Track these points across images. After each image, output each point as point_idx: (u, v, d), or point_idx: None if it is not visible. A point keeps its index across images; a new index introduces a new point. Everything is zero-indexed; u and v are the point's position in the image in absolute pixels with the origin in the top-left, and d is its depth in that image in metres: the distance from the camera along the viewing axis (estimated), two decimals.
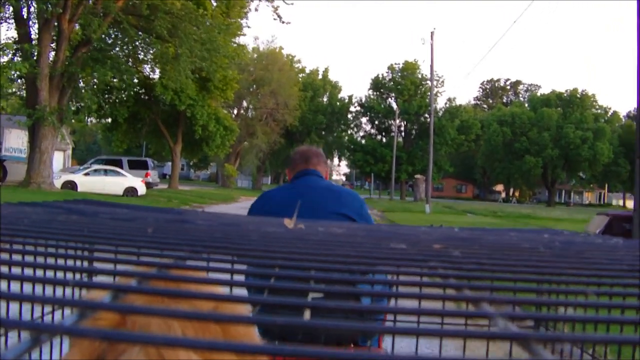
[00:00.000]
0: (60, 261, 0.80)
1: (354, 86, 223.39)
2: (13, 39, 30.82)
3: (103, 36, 32.77)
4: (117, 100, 47.55)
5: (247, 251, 0.94)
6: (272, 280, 0.81)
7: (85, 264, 0.96)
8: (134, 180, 35.88)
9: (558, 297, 0.98)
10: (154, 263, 0.79)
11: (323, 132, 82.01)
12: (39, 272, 0.79)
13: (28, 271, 0.81)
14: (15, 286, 1.17)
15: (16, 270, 0.77)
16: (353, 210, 3.36)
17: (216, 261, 0.86)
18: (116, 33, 34.26)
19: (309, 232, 1.33)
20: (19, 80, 31.66)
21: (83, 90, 33.54)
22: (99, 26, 28.52)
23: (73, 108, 33.16)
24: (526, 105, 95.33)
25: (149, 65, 42.54)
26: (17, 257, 0.87)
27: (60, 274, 0.92)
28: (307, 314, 0.69)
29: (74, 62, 29.77)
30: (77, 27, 30.48)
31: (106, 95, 47.08)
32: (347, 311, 0.63)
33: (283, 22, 35.80)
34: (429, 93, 74.96)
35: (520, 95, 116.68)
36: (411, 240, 1.27)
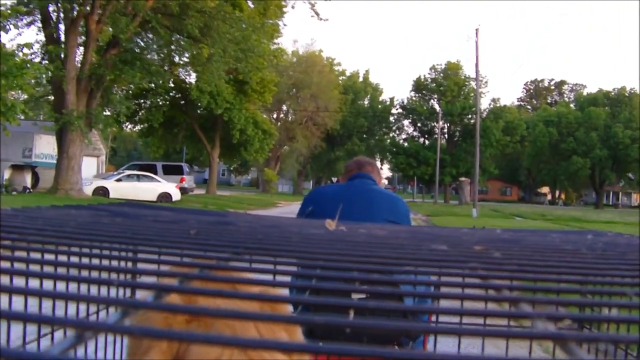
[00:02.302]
0: (105, 262, 0.84)
1: (396, 88, 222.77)
2: (41, 42, 30.59)
3: (135, 39, 32.62)
4: (152, 105, 47.91)
5: (289, 252, 0.97)
6: (313, 281, 0.84)
7: (129, 264, 1.00)
8: (168, 186, 35.80)
9: (600, 298, 0.98)
10: (197, 264, 0.82)
11: (364, 136, 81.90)
12: (84, 273, 0.82)
13: (73, 272, 0.85)
14: (61, 286, 1.21)
15: (62, 270, 0.80)
16: (401, 216, 3.42)
17: (258, 262, 0.88)
18: (149, 36, 34.05)
19: (350, 233, 1.35)
20: (44, 84, 31.16)
21: (116, 94, 33.42)
22: (126, 25, 27.99)
23: (106, 113, 32.98)
24: (572, 105, 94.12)
25: (185, 69, 42.60)
26: (62, 258, 0.90)
27: (105, 275, 0.95)
28: (351, 315, 0.71)
29: (102, 64, 29.46)
30: (107, 29, 30.24)
31: (141, 100, 47.60)
32: (388, 311, 0.65)
33: (321, 19, 35.57)
34: (473, 94, 74.71)
35: (565, 95, 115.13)
36: (452, 242, 1.28)
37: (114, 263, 0.85)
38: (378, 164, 4.41)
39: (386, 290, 0.79)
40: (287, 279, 0.82)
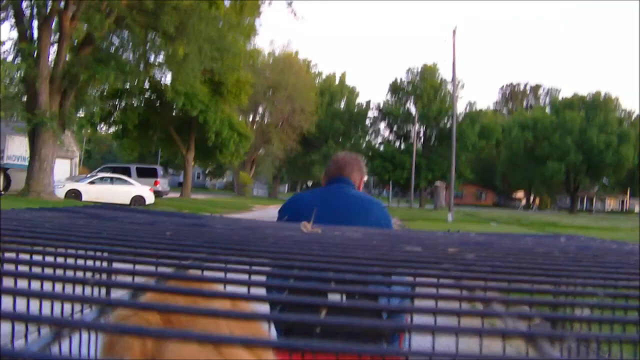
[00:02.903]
0: (80, 262, 0.84)
1: (372, 91, 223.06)
2: (14, 40, 29.72)
3: (110, 37, 32.18)
4: (127, 106, 47.57)
5: (264, 253, 0.98)
6: (290, 281, 0.85)
7: (105, 264, 1.00)
8: (142, 189, 35.48)
9: (572, 299, 1.01)
10: (173, 264, 0.83)
11: (340, 139, 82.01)
12: (60, 273, 0.83)
13: (48, 271, 0.86)
14: (35, 285, 1.21)
15: (37, 270, 0.81)
16: (379, 220, 3.43)
17: (234, 263, 0.89)
18: (123, 36, 33.58)
19: (325, 235, 1.36)
20: (16, 83, 30.48)
21: (90, 95, 32.91)
22: (101, 22, 27.40)
23: (80, 114, 32.38)
24: (547, 109, 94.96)
25: (160, 70, 42.28)
26: (38, 258, 0.91)
27: (80, 275, 0.96)
28: (323, 314, 0.72)
29: (76, 63, 28.82)
30: (82, 26, 29.53)
31: (116, 101, 47.27)
32: (362, 310, 0.67)
33: (298, 19, 35.38)
34: (449, 97, 75.10)
35: (540, 99, 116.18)
36: (426, 244, 1.30)
37: (90, 263, 0.86)
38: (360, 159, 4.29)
39: (359, 289, 0.80)
40: (263, 278, 0.83)
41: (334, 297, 1.16)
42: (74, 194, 33.73)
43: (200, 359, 0.95)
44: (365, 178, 3.90)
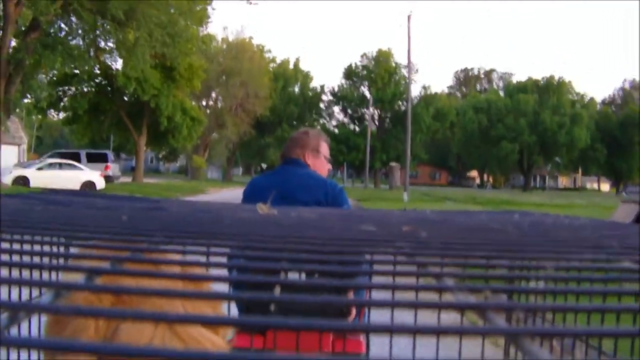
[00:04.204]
0: (37, 247, 0.85)
1: (327, 76, 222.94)
2: None
3: (58, 22, 31.47)
4: (77, 92, 46.82)
5: (220, 235, 0.99)
6: (241, 261, 0.86)
7: (62, 250, 1.00)
8: (92, 174, 34.86)
9: (526, 272, 1.03)
10: (128, 247, 0.84)
11: (295, 122, 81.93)
12: (16, 259, 0.83)
13: (5, 257, 0.85)
14: None
15: None
16: (325, 199, 3.46)
17: (190, 245, 0.90)
18: (73, 20, 32.77)
19: (281, 216, 1.38)
20: None
21: (36, 80, 32.19)
22: (46, 7, 26.62)
23: (28, 100, 31.59)
24: (501, 93, 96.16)
25: (111, 55, 41.57)
26: None
27: (37, 260, 0.96)
28: (276, 290, 0.74)
29: (21, 49, 28.12)
30: (28, 11, 28.98)
31: (65, 87, 46.50)
32: (322, 289, 0.68)
33: (250, 3, 35.05)
34: (403, 81, 75.54)
35: (494, 83, 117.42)
36: (381, 223, 1.32)
37: (47, 249, 0.86)
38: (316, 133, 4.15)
39: (320, 268, 0.82)
40: (221, 259, 0.85)
41: (293, 277, 1.17)
42: (22, 181, 33.02)
43: (154, 338, 0.96)
44: (315, 147, 3.85)
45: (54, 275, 1.16)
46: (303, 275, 1.09)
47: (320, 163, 3.85)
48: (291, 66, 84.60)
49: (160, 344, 1.00)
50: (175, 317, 0.49)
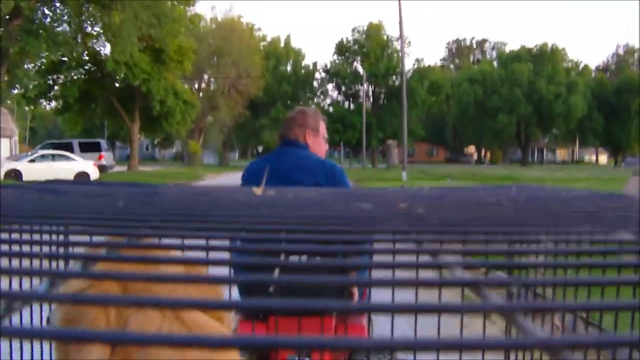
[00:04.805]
0: (32, 236, 0.85)
1: (319, 52, 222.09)
2: None
3: (41, 8, 31.12)
4: (66, 80, 46.55)
5: (216, 217, 1.00)
6: (238, 243, 0.87)
7: (57, 238, 1.01)
8: (86, 165, 34.60)
9: (520, 246, 1.04)
10: (124, 233, 0.84)
11: (289, 102, 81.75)
12: (14, 249, 0.84)
13: (4, 247, 0.86)
14: None
15: None
16: (326, 181, 3.46)
17: (188, 229, 0.91)
18: (56, 5, 32.34)
19: (277, 197, 1.38)
20: None
21: (22, 69, 31.91)
22: None
23: (17, 91, 31.33)
24: (495, 63, 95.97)
25: (98, 40, 41.23)
26: None
27: (33, 249, 0.97)
28: (276, 273, 0.74)
29: (4, 37, 27.86)
30: None
31: (55, 76, 46.24)
32: (324, 270, 0.69)
33: None
34: (396, 54, 75.34)
35: (487, 54, 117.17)
36: (378, 201, 1.33)
37: (42, 237, 0.86)
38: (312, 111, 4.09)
39: (322, 249, 0.83)
40: (219, 243, 0.85)
41: (294, 258, 1.18)
42: (14, 174, 32.77)
43: (162, 326, 0.98)
44: (315, 127, 3.84)
45: (51, 264, 1.18)
46: (303, 257, 1.10)
47: (318, 143, 3.83)
48: (282, 44, 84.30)
49: (168, 332, 1.02)
50: (176, 302, 0.50)
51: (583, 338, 0.36)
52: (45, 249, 0.83)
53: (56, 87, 47.19)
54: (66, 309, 1.08)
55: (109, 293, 1.03)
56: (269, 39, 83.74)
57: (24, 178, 32.04)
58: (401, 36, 45.84)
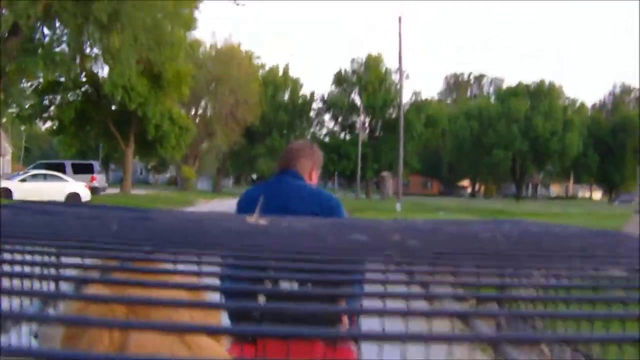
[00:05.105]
0: (25, 257, 0.86)
1: (316, 82, 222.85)
2: None
3: (40, 28, 31.05)
4: (63, 101, 46.59)
5: (209, 245, 1.00)
6: (226, 270, 0.87)
7: (51, 259, 1.02)
8: (77, 186, 34.35)
9: (511, 280, 1.05)
10: (117, 257, 0.85)
11: (285, 131, 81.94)
12: (6, 269, 0.84)
13: None
14: None
15: None
16: (321, 210, 3.46)
17: (181, 254, 0.91)
18: (55, 26, 32.30)
19: (271, 226, 1.39)
20: None
21: (19, 88, 31.81)
22: (26, 10, 26.44)
23: (12, 110, 31.17)
24: (492, 99, 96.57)
25: (97, 62, 41.25)
26: None
27: (26, 270, 0.97)
28: (261, 299, 0.75)
29: (3, 53, 27.74)
30: (6, 14, 28.56)
31: (51, 96, 46.28)
32: (315, 298, 0.69)
33: (237, 4, 34.72)
34: (394, 87, 75.72)
35: (484, 89, 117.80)
36: (372, 232, 1.34)
37: (36, 259, 0.87)
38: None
39: (313, 277, 0.83)
40: (213, 269, 0.86)
41: (285, 286, 1.19)
42: (4, 193, 32.50)
43: (162, 342, 0.98)
44: (319, 164, 3.90)
45: (43, 285, 1.17)
46: (295, 285, 1.11)
47: (315, 178, 3.89)
48: (280, 73, 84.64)
49: (167, 351, 1.02)
50: (168, 326, 0.50)
51: None
52: (38, 270, 0.84)
53: (52, 108, 47.23)
54: (79, 311, 1.08)
55: (116, 313, 1.03)
56: (267, 67, 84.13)
57: (15, 197, 31.79)
58: (400, 68, 45.83)
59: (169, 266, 0.91)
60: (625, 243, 1.36)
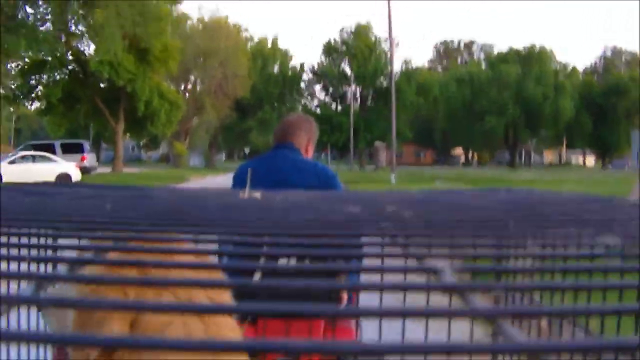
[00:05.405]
0: (18, 239, 0.86)
1: (306, 53, 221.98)
2: None
3: (24, 7, 30.74)
4: (49, 81, 46.27)
5: (203, 220, 1.00)
6: (219, 246, 0.87)
7: (46, 241, 1.02)
8: (67, 166, 34.00)
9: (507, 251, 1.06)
10: (112, 237, 0.85)
11: (276, 104, 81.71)
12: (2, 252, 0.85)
13: None
14: None
15: None
16: (318, 183, 3.48)
17: (178, 232, 0.92)
18: (39, 5, 31.93)
19: (264, 200, 1.39)
20: None
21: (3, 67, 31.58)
22: None
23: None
24: (483, 65, 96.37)
25: (83, 40, 40.90)
26: None
27: (21, 253, 0.97)
28: (256, 276, 0.75)
29: None
30: None
31: (38, 76, 45.96)
32: (314, 274, 0.70)
33: None
34: (384, 56, 75.48)
35: (475, 55, 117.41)
36: (366, 204, 1.34)
37: (30, 241, 0.87)
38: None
39: (312, 252, 0.84)
40: (212, 246, 0.86)
41: (282, 262, 1.19)
42: None
43: (175, 320, 1.00)
44: (315, 137, 3.92)
45: (40, 267, 1.18)
46: (292, 260, 1.11)
47: (311, 152, 3.91)
48: (269, 45, 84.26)
49: (180, 324, 1.04)
50: (172, 306, 0.51)
51: (563, 342, 0.37)
52: (34, 252, 0.84)
53: (39, 88, 46.96)
54: (85, 293, 1.09)
55: (123, 290, 1.04)
56: (256, 39, 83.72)
57: (4, 180, 31.55)
58: (390, 36, 45.51)
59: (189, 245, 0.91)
60: (621, 210, 1.37)
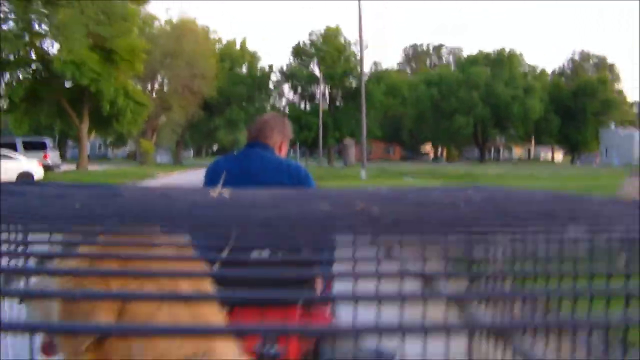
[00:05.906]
0: None
1: (275, 56, 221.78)
2: None
3: None
4: (12, 80, 45.79)
5: (173, 218, 1.01)
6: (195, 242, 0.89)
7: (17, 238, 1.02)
8: (29, 164, 33.26)
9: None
10: (82, 231, 0.86)
11: (244, 103, 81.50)
12: None
13: None
14: None
15: None
16: (290, 181, 3.50)
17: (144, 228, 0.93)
18: (1, 4, 31.51)
19: (234, 198, 1.40)
20: None
21: None
22: None
23: None
24: (452, 67, 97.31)
25: (47, 39, 40.47)
26: None
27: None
28: (215, 267, 0.77)
29: None
30: None
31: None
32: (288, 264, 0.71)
33: None
34: (353, 57, 75.75)
35: (443, 59, 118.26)
36: (336, 201, 1.36)
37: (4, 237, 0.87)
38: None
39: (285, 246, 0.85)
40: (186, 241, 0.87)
41: (254, 255, 1.21)
42: None
43: (161, 306, 1.01)
44: (289, 137, 3.95)
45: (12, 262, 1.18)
46: (265, 253, 1.13)
47: (285, 151, 3.93)
48: (238, 46, 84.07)
49: (166, 309, 1.06)
50: (151, 295, 0.52)
51: (528, 321, 0.39)
52: (5, 247, 0.85)
53: (2, 87, 46.42)
54: (69, 285, 1.09)
55: (106, 282, 1.04)
56: (224, 41, 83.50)
57: None
58: (360, 36, 45.70)
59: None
60: (586, 204, 1.40)
